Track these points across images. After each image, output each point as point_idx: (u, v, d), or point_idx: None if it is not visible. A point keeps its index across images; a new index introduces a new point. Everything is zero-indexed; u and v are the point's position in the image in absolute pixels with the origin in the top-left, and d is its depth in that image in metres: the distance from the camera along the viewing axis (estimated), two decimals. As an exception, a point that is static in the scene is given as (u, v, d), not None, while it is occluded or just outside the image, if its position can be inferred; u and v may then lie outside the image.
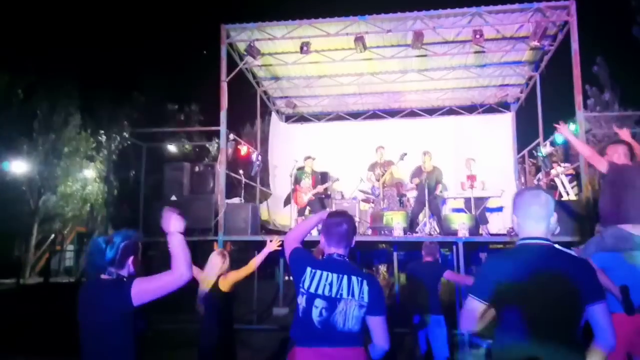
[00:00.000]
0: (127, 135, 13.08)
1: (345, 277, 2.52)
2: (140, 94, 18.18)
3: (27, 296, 12.35)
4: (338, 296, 2.48)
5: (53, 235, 21.83)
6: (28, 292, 13.51)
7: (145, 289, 2.38)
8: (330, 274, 2.53)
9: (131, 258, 2.56)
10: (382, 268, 12.68)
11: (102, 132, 21.38)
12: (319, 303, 2.49)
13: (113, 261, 2.50)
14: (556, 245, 2.19)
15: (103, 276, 2.51)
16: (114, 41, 26.95)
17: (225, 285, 4.15)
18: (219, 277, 4.19)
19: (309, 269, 2.56)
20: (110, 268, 2.50)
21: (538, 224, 2.19)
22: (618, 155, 4.30)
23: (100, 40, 24.57)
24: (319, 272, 2.55)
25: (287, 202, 9.56)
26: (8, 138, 18.57)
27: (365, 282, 2.52)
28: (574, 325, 2.03)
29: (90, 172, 22.08)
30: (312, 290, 2.52)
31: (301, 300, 2.54)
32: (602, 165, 4.32)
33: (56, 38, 22.18)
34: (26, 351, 7.08)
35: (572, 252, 2.40)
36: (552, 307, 2.01)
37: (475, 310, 2.15)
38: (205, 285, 4.20)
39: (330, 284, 2.51)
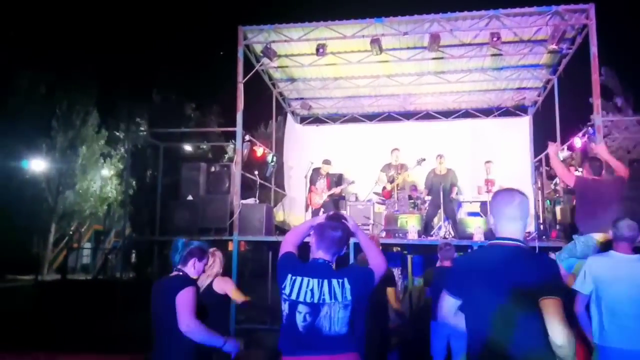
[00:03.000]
0: (144, 135, 13.22)
1: (326, 281, 2.46)
2: (158, 93, 18.35)
3: (47, 292, 12.55)
4: (321, 301, 2.44)
5: (70, 233, 22.16)
6: (47, 289, 13.73)
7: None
8: (310, 279, 2.48)
9: (193, 260, 3.05)
10: (396, 271, 12.64)
11: (120, 131, 21.65)
12: (302, 309, 2.45)
13: (180, 259, 3.03)
14: (524, 246, 2.26)
15: (174, 273, 3.02)
16: (132, 42, 27.27)
17: (218, 288, 4.03)
18: (214, 277, 4.05)
19: (289, 276, 2.51)
20: (178, 265, 3.03)
21: (511, 224, 2.27)
22: (585, 170, 4.94)
23: (119, 40, 24.88)
24: (299, 278, 2.49)
25: (306, 205, 9.61)
26: (28, 136, 18.90)
27: (345, 280, 2.46)
28: (533, 321, 2.05)
29: (107, 171, 22.39)
30: (293, 297, 2.47)
31: (284, 307, 2.51)
32: (570, 180, 4.97)
33: (76, 37, 22.51)
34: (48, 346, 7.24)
35: (539, 253, 2.49)
36: (511, 305, 2.09)
37: (448, 306, 2.37)
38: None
39: (312, 290, 2.45)
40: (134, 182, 17.30)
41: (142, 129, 17.66)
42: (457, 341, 5.00)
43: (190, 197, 8.74)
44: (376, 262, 2.62)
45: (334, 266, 2.61)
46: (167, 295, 2.84)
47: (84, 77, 20.68)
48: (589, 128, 7.92)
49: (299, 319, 2.45)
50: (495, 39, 8.07)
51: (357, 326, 2.55)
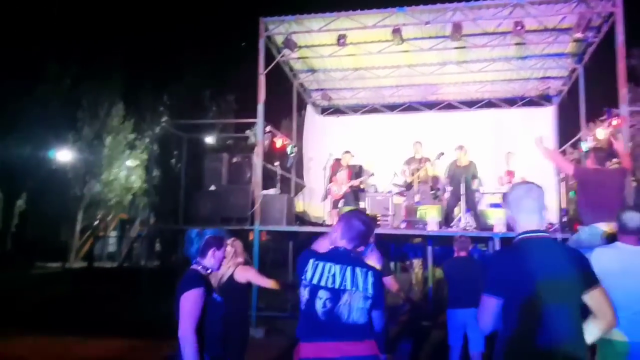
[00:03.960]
0: (167, 126, 13.43)
1: (349, 268, 2.50)
2: (181, 85, 18.60)
3: (75, 279, 12.94)
4: (342, 287, 2.46)
5: (97, 222, 22.69)
6: (76, 276, 14.14)
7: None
8: (333, 265, 2.51)
9: (212, 249, 2.94)
10: (416, 262, 12.64)
11: (144, 122, 21.99)
12: (322, 294, 2.47)
13: (197, 251, 2.91)
14: (551, 238, 2.32)
15: (192, 266, 2.93)
16: (155, 34, 27.57)
17: (240, 277, 4.06)
18: (236, 267, 4.08)
19: (311, 261, 2.55)
20: (197, 257, 2.92)
21: (532, 217, 2.29)
22: (590, 160, 4.94)
23: (141, 33, 25.17)
24: (321, 263, 2.53)
25: (325, 196, 9.67)
26: (55, 127, 19.35)
27: (370, 273, 2.51)
28: (578, 310, 2.18)
29: (132, 161, 22.78)
30: (314, 281, 2.50)
31: (304, 293, 2.52)
32: (570, 170, 5.02)
33: (99, 29, 22.84)
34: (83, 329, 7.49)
35: (568, 245, 2.49)
36: (562, 296, 2.13)
37: (492, 308, 2.21)
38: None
39: (334, 276, 2.48)
40: (158, 173, 17.63)
41: (164, 120, 17.91)
42: (474, 331, 5.03)
43: (213, 187, 8.89)
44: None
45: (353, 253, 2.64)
46: (178, 292, 2.77)
47: (109, 68, 21.01)
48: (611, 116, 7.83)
49: (318, 305, 2.47)
50: (518, 27, 7.96)
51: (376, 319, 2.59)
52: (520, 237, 2.31)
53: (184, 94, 18.41)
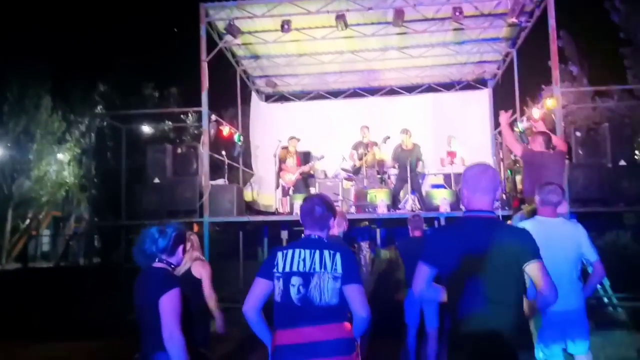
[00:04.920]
0: (102, 117, 12.83)
1: (317, 251, 2.55)
2: (115, 74, 17.78)
3: (10, 282, 12.17)
4: (312, 270, 2.51)
5: (28, 220, 21.44)
6: (9, 278, 13.32)
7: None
8: (302, 250, 2.57)
9: (181, 247, 2.86)
10: (365, 245, 12.89)
11: (75, 114, 20.87)
12: (295, 281, 2.50)
13: (165, 249, 2.78)
14: (496, 218, 2.44)
15: (155, 264, 2.78)
16: (85, 21, 26.11)
17: (196, 272, 4.02)
18: (193, 262, 4.03)
19: (279, 254, 2.59)
20: (162, 255, 2.78)
21: (484, 197, 2.38)
22: (537, 143, 5.17)
23: (70, 20, 23.77)
24: (290, 251, 2.58)
25: (277, 183, 9.62)
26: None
27: (337, 254, 2.55)
28: (518, 285, 2.31)
29: (64, 155, 21.63)
30: (287, 269, 2.53)
31: (278, 285, 2.54)
32: (518, 150, 5.34)
33: (25, 19, 21.37)
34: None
35: (511, 225, 2.62)
36: (499, 272, 2.24)
37: (424, 275, 2.38)
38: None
39: (304, 260, 2.53)
40: (93, 166, 16.83)
41: (99, 111, 17.10)
42: (430, 308, 5.20)
43: (156, 180, 8.60)
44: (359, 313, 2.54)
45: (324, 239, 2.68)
46: (151, 293, 2.64)
47: (35, 60, 19.72)
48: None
49: (293, 292, 2.50)
50: (457, 13, 8.19)
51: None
52: (466, 214, 2.43)
53: (118, 83, 17.61)
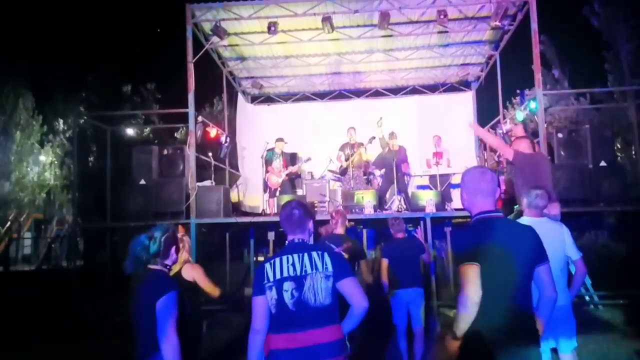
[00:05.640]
0: (85, 119, 12.66)
1: (306, 254, 2.59)
2: (98, 75, 17.58)
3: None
4: (303, 273, 2.54)
5: (9, 223, 21.05)
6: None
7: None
8: (290, 255, 2.60)
9: (173, 247, 2.92)
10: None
11: (57, 115, 20.59)
12: (287, 286, 2.53)
13: (158, 254, 2.83)
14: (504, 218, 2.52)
15: (151, 266, 2.83)
16: (70, 21, 25.74)
17: (188, 275, 4.02)
18: (184, 264, 4.03)
19: (267, 265, 2.62)
20: (156, 259, 2.84)
21: (486, 199, 2.44)
22: (524, 146, 5.22)
23: (51, 18, 23.41)
24: (277, 259, 2.61)
25: (265, 186, 9.62)
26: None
27: (325, 253, 2.60)
28: (530, 282, 2.40)
29: (45, 157, 21.31)
30: (277, 277, 2.56)
31: (271, 295, 2.54)
32: (509, 154, 5.23)
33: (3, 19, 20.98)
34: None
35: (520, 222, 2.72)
36: (520, 267, 2.32)
37: (476, 275, 2.25)
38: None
39: (293, 264, 2.57)
40: (76, 168, 16.60)
41: (82, 112, 16.88)
42: (416, 308, 5.27)
43: (142, 182, 8.55)
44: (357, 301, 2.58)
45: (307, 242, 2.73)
46: (148, 295, 2.69)
47: (14, 58, 19.39)
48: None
49: (286, 297, 2.53)
50: (442, 16, 8.30)
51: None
52: (478, 217, 2.46)
53: (102, 85, 17.42)
